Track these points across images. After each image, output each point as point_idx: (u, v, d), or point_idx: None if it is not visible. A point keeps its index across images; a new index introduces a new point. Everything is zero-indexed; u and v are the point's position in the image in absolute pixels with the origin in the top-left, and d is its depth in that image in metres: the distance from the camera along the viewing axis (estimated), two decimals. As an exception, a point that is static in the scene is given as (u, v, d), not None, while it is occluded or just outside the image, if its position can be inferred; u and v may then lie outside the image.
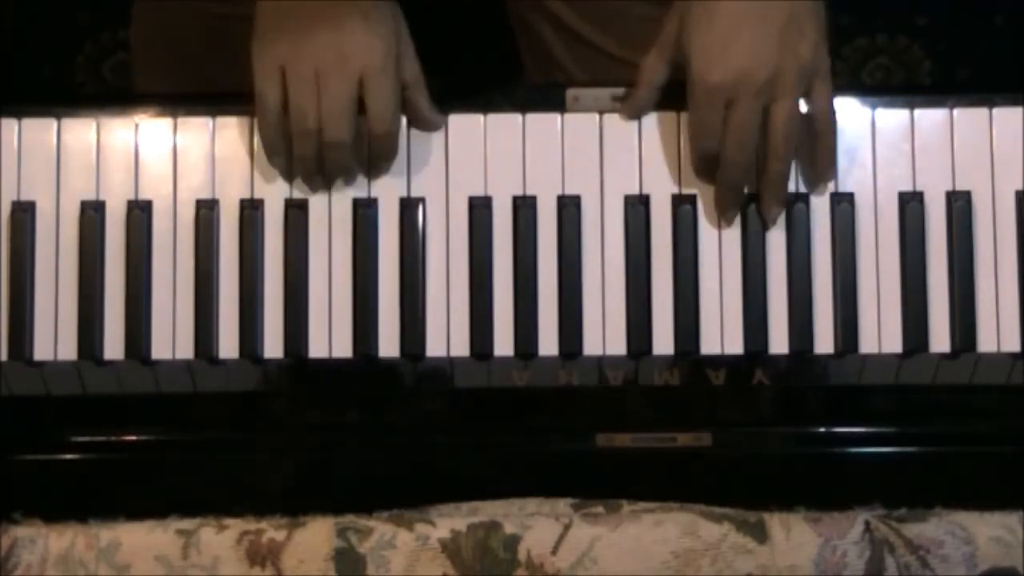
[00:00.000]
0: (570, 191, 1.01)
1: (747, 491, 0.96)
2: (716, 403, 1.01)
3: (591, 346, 1.00)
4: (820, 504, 0.95)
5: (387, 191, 1.01)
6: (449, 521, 0.93)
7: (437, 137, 1.01)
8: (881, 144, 1.02)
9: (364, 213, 1.01)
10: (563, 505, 0.96)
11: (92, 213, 1.01)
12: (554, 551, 0.92)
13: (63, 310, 1.00)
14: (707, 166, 1.00)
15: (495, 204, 1.01)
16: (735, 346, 1.00)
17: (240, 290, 1.00)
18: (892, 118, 1.02)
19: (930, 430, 1.01)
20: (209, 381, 1.01)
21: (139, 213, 1.01)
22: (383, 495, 0.95)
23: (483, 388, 1.01)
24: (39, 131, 1.02)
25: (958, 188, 1.01)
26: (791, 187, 1.00)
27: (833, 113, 0.99)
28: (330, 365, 1.00)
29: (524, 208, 1.00)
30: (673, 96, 1.00)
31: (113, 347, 1.00)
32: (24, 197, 1.01)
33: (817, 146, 0.99)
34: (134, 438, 1.01)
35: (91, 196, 1.01)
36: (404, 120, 1.01)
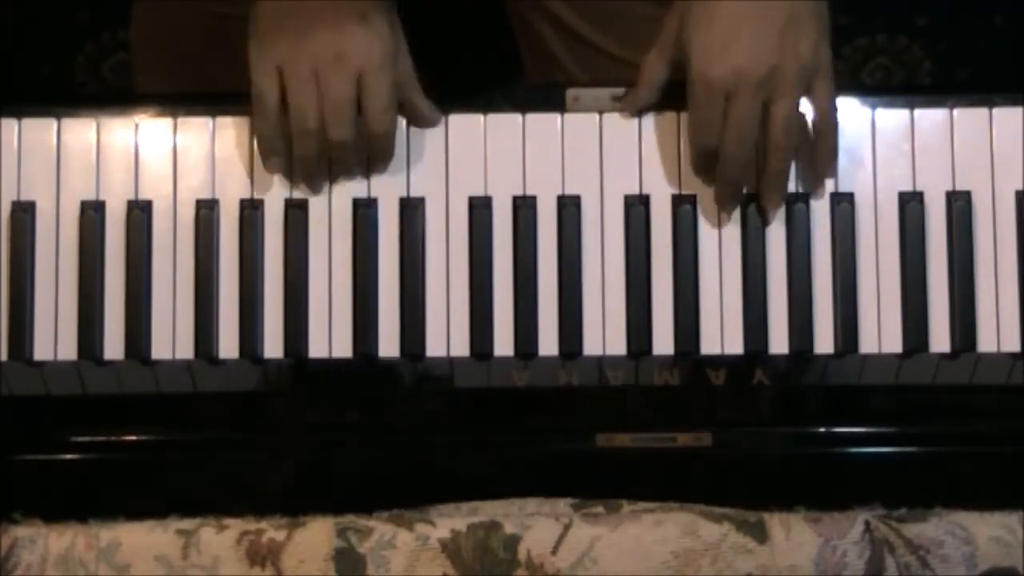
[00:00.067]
0: (570, 191, 1.01)
1: (747, 491, 0.96)
2: (716, 403, 1.01)
3: (591, 346, 1.00)
4: (820, 504, 0.95)
5: (387, 191, 1.01)
6: (449, 521, 0.93)
7: (437, 137, 1.01)
8: (881, 144, 1.02)
9: (364, 213, 1.01)
10: (563, 505, 0.96)
11: (92, 213, 1.01)
12: (554, 551, 0.92)
13: (63, 310, 1.00)
14: (707, 164, 1.00)
15: (495, 204, 1.01)
16: (735, 346, 1.00)
17: (240, 290, 1.00)
18: (892, 118, 1.02)
19: (930, 430, 1.01)
20: (209, 381, 1.01)
21: (139, 213, 1.01)
22: (383, 495, 0.95)
23: (483, 388, 1.01)
24: (39, 131, 1.02)
25: (958, 188, 1.01)
26: (791, 187, 1.00)
27: (834, 113, 0.99)
28: (330, 365, 1.00)
29: (524, 208, 1.00)
30: (673, 96, 1.00)
31: (113, 347, 1.00)
32: (24, 197, 1.01)
33: (818, 145, 0.99)
34: (134, 438, 1.01)
35: (91, 196, 1.01)
36: (404, 120, 1.01)
